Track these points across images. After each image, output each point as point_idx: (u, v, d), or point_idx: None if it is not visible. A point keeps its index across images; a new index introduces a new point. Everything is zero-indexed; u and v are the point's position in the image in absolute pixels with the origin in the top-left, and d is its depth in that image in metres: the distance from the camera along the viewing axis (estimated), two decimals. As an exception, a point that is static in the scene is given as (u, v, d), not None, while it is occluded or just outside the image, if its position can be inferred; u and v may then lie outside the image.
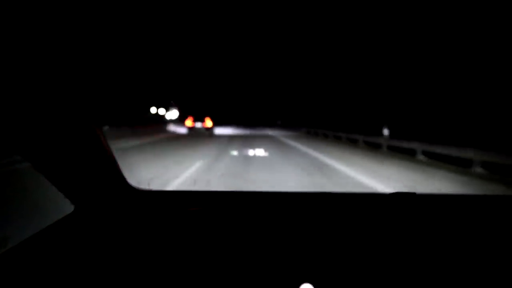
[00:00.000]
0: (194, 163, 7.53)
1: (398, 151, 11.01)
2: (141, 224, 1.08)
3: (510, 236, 1.03)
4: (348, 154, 10.81)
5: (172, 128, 25.44)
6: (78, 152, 0.94)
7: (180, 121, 34.05)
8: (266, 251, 0.98)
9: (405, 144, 10.60)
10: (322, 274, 0.92)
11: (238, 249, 0.99)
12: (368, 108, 24.00)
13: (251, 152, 10.02)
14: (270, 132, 27.19)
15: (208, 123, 22.33)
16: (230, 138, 17.76)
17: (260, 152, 10.19)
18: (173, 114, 40.34)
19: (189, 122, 22.49)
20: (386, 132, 12.95)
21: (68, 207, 1.05)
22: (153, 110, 37.24)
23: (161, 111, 39.52)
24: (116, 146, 10.43)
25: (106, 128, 13.35)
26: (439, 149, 9.01)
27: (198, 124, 22.26)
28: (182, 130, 23.43)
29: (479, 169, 7.26)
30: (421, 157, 9.50)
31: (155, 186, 4.98)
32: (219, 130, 25.47)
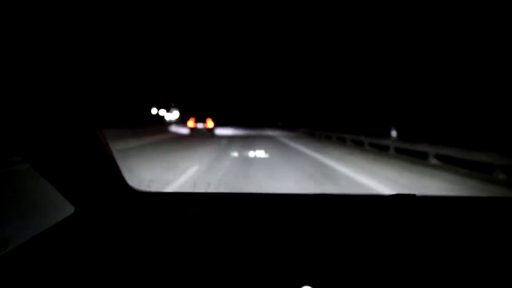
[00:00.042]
0: (194, 164, 7.53)
1: (407, 154, 10.20)
2: (141, 226, 1.08)
3: (510, 238, 1.03)
4: (353, 157, 10.20)
5: (174, 128, 25.92)
6: (78, 153, 0.94)
7: (181, 122, 34.36)
8: (265, 253, 0.98)
9: (417, 147, 9.72)
10: (322, 277, 0.91)
11: (238, 251, 0.99)
12: (373, 109, 23.28)
13: (251, 154, 10.02)
14: (270, 132, 27.20)
15: (210, 124, 22.87)
16: (230, 138, 17.77)
17: (260, 153, 10.19)
18: (174, 115, 40.53)
19: (191, 123, 23.07)
20: (394, 133, 12.23)
21: (68, 209, 1.04)
22: (154, 111, 37.33)
23: (162, 112, 39.64)
24: (117, 148, 10.43)
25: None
26: (453, 152, 8.25)
27: (200, 125, 22.80)
28: (183, 130, 23.82)
29: (502, 176, 6.44)
30: (434, 160, 8.79)
31: (155, 187, 4.98)
32: (220, 131, 25.67)
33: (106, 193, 1.07)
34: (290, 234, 1.05)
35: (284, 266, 0.94)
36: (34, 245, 0.91)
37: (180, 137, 18.26)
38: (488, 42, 16.14)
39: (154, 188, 4.87)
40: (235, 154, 9.91)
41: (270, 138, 19.55)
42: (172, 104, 40.96)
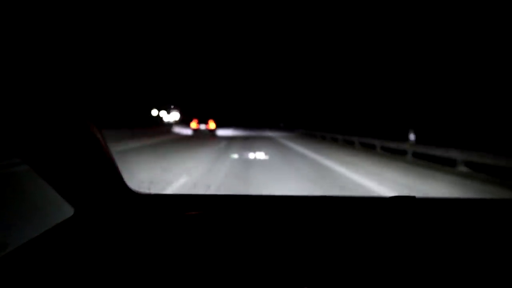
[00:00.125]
0: (194, 165, 7.53)
1: (427, 160, 9.22)
2: (141, 227, 1.07)
3: (510, 240, 1.02)
4: (363, 162, 9.15)
5: (176, 129, 26.78)
6: (78, 155, 0.93)
7: (182, 123, 34.71)
8: (265, 255, 0.97)
9: (441, 152, 8.65)
10: (322, 278, 0.91)
11: (237, 253, 0.98)
12: (386, 111, 22.21)
13: (251, 155, 10.02)
14: (271, 133, 27.23)
15: (212, 125, 23.80)
16: (231, 140, 17.80)
17: (260, 155, 10.19)
18: (174, 116, 40.68)
19: (194, 124, 24.25)
20: (412, 137, 10.97)
21: (67, 210, 1.04)
22: (154, 112, 37.38)
23: (162, 113, 39.75)
24: (116, 149, 10.43)
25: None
26: (489, 159, 7.14)
27: (202, 126, 23.85)
28: (185, 131, 24.64)
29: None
30: (463, 168, 7.76)
31: (155, 187, 4.98)
32: (222, 132, 26.09)
33: (105, 195, 1.07)
34: (290, 236, 1.04)
35: (284, 268, 0.94)
36: (33, 247, 0.91)
37: (180, 138, 18.28)
38: (509, 43, 15.45)
39: (154, 189, 4.87)
40: (235, 156, 9.91)
41: (270, 139, 19.55)
42: (172, 106, 41.18)
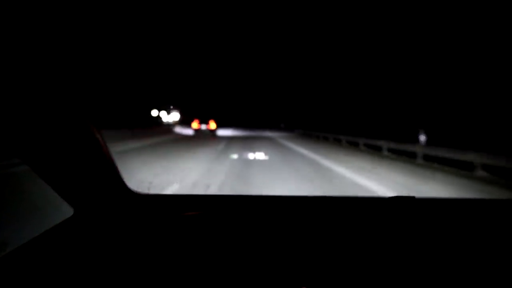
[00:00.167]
0: (194, 166, 7.52)
1: (438, 162, 8.92)
2: (140, 228, 1.07)
3: (509, 240, 1.02)
4: (369, 165, 8.64)
5: (177, 130, 27.30)
6: (77, 155, 0.94)
7: (182, 123, 34.91)
8: (264, 255, 0.97)
9: (459, 155, 8.24)
10: (321, 279, 0.91)
11: (236, 253, 0.98)
12: (391, 111, 21.39)
13: (251, 156, 10.01)
14: (271, 134, 27.22)
15: (212, 125, 24.35)
16: (231, 140, 17.80)
17: (260, 155, 10.18)
18: (174, 116, 40.78)
19: (195, 125, 24.87)
20: (422, 138, 10.52)
21: (67, 211, 1.04)
22: (154, 113, 37.43)
23: (162, 113, 39.83)
24: (116, 149, 10.43)
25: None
26: (502, 162, 6.93)
27: (203, 126, 24.44)
28: (186, 131, 25.11)
29: None
30: (482, 173, 7.43)
31: (154, 187, 4.98)
32: (222, 132, 26.37)
33: (105, 195, 1.07)
34: (289, 236, 1.04)
35: (283, 268, 0.94)
36: (33, 247, 0.91)
37: (180, 138, 18.28)
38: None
39: (154, 189, 4.87)
40: (234, 156, 9.90)
41: (270, 140, 19.53)
42: (172, 107, 41.31)
